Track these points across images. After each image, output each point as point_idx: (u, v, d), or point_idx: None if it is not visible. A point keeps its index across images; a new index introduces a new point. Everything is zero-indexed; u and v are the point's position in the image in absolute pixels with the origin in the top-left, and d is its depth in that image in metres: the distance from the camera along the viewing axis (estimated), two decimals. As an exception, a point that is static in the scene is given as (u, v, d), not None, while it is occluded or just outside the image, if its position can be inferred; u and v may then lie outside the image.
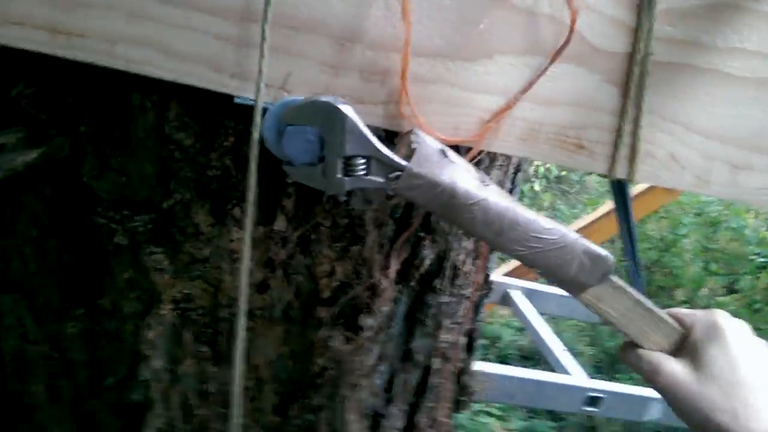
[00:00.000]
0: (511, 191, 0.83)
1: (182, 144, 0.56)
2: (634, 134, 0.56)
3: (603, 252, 0.52)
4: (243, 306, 0.55)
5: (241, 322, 0.55)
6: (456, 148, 0.53)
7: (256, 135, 0.49)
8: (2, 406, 0.76)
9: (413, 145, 0.48)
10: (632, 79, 0.52)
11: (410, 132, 0.50)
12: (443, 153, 0.49)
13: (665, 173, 0.60)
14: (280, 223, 0.66)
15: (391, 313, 0.77)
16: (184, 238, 0.63)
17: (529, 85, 0.51)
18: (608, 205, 2.48)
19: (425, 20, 0.46)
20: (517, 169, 0.80)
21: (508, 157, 0.73)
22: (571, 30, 0.49)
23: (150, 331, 0.69)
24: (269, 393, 0.75)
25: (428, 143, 0.49)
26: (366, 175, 0.49)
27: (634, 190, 2.36)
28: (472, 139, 0.53)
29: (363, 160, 0.49)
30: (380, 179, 0.50)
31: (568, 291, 0.55)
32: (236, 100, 0.51)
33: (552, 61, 0.51)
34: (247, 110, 0.55)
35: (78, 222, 0.61)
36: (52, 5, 0.43)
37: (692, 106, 0.58)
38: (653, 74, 0.52)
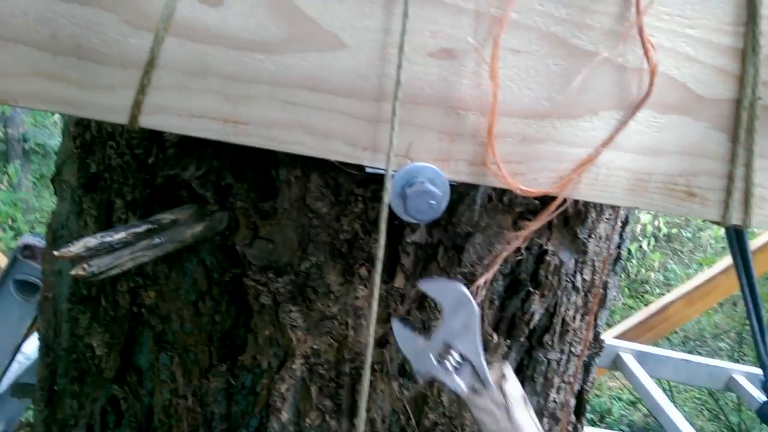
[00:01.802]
0: (619, 246, 0.84)
1: (320, 212, 0.64)
2: (747, 179, 0.56)
3: None
4: (368, 358, 0.58)
5: (366, 373, 0.58)
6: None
7: (386, 199, 0.55)
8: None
9: (503, 375, 0.53)
10: (741, 124, 0.54)
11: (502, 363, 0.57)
12: (525, 400, 0.54)
13: (783, 218, 0.60)
14: (399, 281, 0.71)
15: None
16: (316, 296, 0.70)
17: (610, 137, 0.54)
18: (725, 261, 2.32)
19: (533, 85, 0.52)
20: (625, 222, 0.81)
21: (615, 210, 0.75)
22: (651, 83, 0.52)
23: (282, 384, 0.75)
24: (385, 448, 0.78)
25: (516, 382, 0.53)
26: (453, 372, 0.53)
27: (754, 243, 2.20)
28: (554, 191, 0.56)
29: (459, 358, 0.53)
30: (462, 385, 0.53)
31: None
32: (368, 170, 0.58)
33: (632, 114, 0.53)
34: (374, 179, 0.63)
35: (229, 286, 0.70)
36: (225, 100, 0.53)
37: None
38: (762, 118, 0.54)
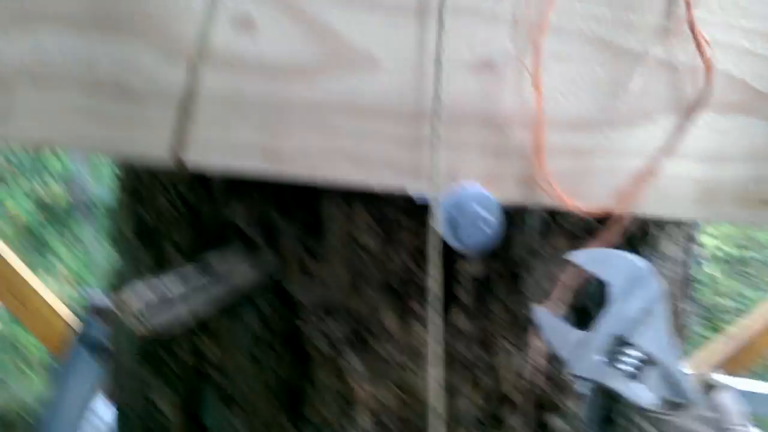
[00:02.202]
0: (684, 263, 0.78)
1: (369, 247, 0.63)
2: (828, 181, 0.52)
3: None
4: (437, 407, 0.54)
5: (433, 425, 0.55)
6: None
7: (435, 226, 0.53)
8: None
9: (712, 384, 0.40)
10: (811, 120, 0.50)
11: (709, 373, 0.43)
12: (747, 419, 0.40)
13: None
14: (457, 316, 0.68)
15: (586, 415, 0.73)
16: (374, 339, 0.67)
17: (670, 145, 0.50)
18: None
19: (580, 93, 0.50)
20: (691, 239, 0.76)
21: (678, 225, 0.70)
22: (707, 82, 0.49)
23: (348, 438, 0.71)
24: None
25: (733, 395, 0.40)
26: (632, 377, 0.38)
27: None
28: (614, 207, 0.52)
29: (639, 357, 0.38)
30: (652, 397, 0.37)
31: None
32: (416, 199, 0.57)
33: (689, 116, 0.50)
34: (422, 207, 0.61)
35: (287, 333, 0.69)
36: (263, 129, 0.52)
37: None
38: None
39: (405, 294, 0.66)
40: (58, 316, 1.63)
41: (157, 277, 0.58)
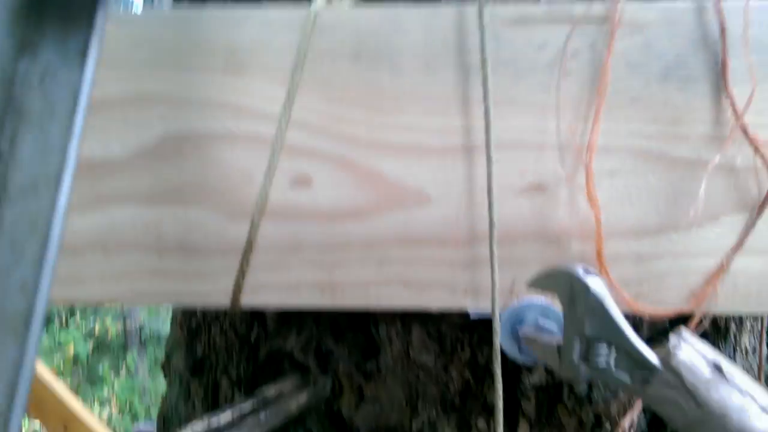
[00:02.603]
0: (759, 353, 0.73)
1: (426, 365, 0.61)
2: None
3: None
4: None
5: None
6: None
7: (497, 342, 0.51)
8: None
9: (673, 346, 0.39)
10: None
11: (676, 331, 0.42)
12: (718, 368, 0.39)
13: None
14: (523, 430, 0.64)
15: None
16: (435, 459, 0.63)
17: (740, 242, 0.49)
18: None
19: (636, 202, 0.49)
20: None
21: (756, 320, 0.66)
22: None
23: None
24: None
25: (697, 349, 0.40)
26: (608, 367, 0.41)
27: None
28: (688, 308, 0.50)
29: (606, 348, 0.41)
30: (625, 377, 0.41)
31: None
32: (472, 316, 0.55)
33: (759, 213, 0.49)
34: (478, 322, 0.59)
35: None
36: (320, 269, 0.54)
37: None
38: None
39: (466, 410, 0.63)
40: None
41: (208, 410, 0.57)
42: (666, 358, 0.39)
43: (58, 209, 0.29)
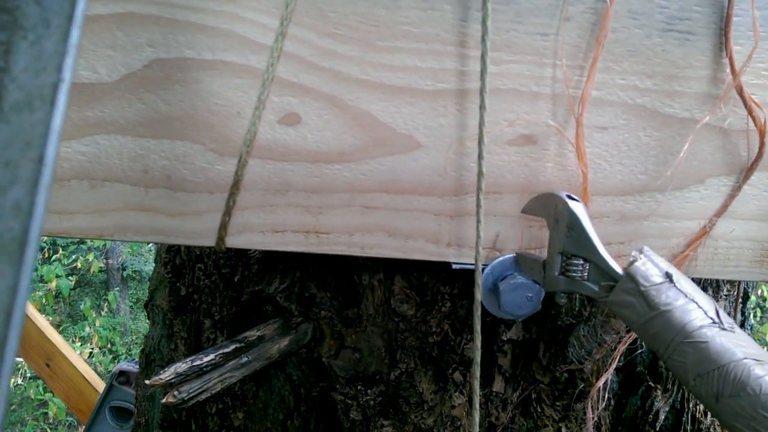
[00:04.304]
0: (742, 324, 0.74)
1: (406, 315, 0.61)
2: None
3: None
4: None
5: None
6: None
7: (479, 296, 0.52)
8: None
9: (633, 259, 0.44)
10: None
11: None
12: (669, 277, 0.44)
13: None
14: (498, 384, 0.65)
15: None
16: (409, 408, 0.65)
17: (724, 206, 0.49)
18: None
19: (625, 160, 0.49)
20: (746, 297, 0.72)
21: (734, 285, 0.67)
22: (762, 144, 0.48)
23: None
24: None
25: (653, 261, 0.45)
26: (582, 279, 0.47)
27: None
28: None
29: (581, 263, 0.47)
30: (595, 287, 0.47)
31: None
32: (454, 267, 0.55)
33: (746, 177, 0.49)
34: (460, 274, 0.60)
35: (318, 401, 0.67)
36: (306, 212, 0.53)
37: None
38: None
39: (443, 362, 0.64)
40: (83, 378, 1.63)
41: (191, 351, 0.57)
42: (626, 268, 0.45)
43: (53, 127, 0.28)
